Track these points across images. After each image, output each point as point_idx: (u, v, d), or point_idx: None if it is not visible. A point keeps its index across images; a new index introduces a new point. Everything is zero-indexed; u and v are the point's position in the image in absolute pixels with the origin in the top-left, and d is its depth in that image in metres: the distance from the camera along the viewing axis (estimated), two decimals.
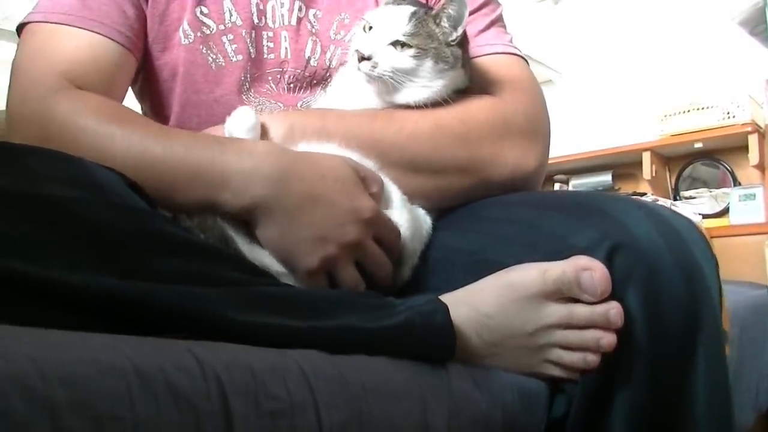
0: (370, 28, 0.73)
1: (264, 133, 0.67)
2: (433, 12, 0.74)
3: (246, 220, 0.59)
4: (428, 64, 0.72)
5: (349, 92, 0.76)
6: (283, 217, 0.58)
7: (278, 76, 0.81)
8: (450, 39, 0.73)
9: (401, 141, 0.70)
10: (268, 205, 0.58)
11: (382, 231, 0.62)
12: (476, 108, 0.74)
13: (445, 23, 0.73)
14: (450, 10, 0.73)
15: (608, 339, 0.52)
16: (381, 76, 0.71)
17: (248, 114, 0.66)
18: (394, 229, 0.64)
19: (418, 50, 0.71)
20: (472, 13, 0.82)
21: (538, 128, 0.79)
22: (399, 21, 0.72)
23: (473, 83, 0.78)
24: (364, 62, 0.70)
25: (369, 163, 0.68)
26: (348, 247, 0.59)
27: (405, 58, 0.72)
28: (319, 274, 0.58)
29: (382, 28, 0.73)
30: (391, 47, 0.71)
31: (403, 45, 0.71)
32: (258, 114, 0.67)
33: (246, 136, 0.64)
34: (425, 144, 0.71)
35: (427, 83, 0.72)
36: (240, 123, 0.65)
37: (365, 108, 0.73)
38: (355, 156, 0.67)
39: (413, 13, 0.73)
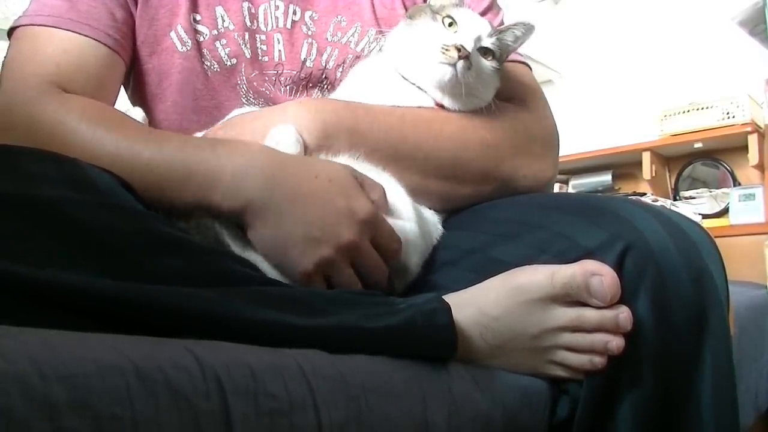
0: (451, 24, 0.70)
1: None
2: (502, 27, 0.74)
3: (239, 222, 0.58)
4: (495, 77, 0.72)
5: (374, 88, 0.73)
6: (274, 217, 0.56)
7: (274, 78, 0.80)
8: (505, 57, 0.74)
9: (428, 143, 0.70)
10: (259, 206, 0.56)
11: (380, 233, 0.60)
12: (502, 115, 0.74)
13: (508, 40, 0.73)
14: (517, 31, 0.73)
15: (617, 342, 0.52)
16: (468, 79, 0.68)
17: (290, 133, 0.63)
18: (393, 236, 0.61)
19: (497, 63, 0.71)
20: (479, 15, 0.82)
21: (553, 138, 0.80)
22: (484, 28, 0.71)
23: None
24: (463, 61, 0.67)
25: (379, 171, 0.66)
26: (343, 249, 0.56)
27: (489, 68, 0.71)
28: (315, 278, 0.57)
29: (470, 30, 0.70)
30: (478, 53, 0.70)
31: (486, 53, 0.71)
32: (294, 128, 0.64)
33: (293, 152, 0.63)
34: (451, 147, 0.71)
35: (482, 95, 0.72)
36: (283, 143, 0.63)
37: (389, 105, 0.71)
38: (368, 165, 0.66)
39: (490, 25, 0.73)
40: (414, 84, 0.73)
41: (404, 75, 0.74)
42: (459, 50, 0.67)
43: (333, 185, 0.58)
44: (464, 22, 0.71)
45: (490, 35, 0.72)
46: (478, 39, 0.70)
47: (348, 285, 0.58)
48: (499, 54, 0.73)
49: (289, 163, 0.59)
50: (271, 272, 0.57)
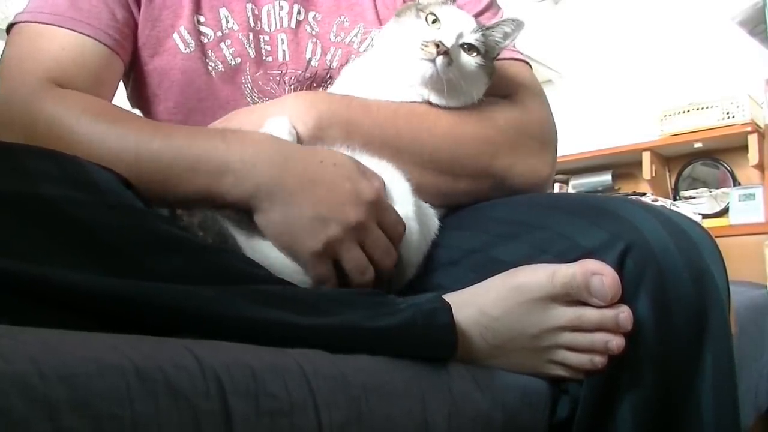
0: (434, 21, 0.71)
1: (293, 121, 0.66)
2: (490, 24, 0.74)
3: (246, 209, 0.58)
4: (480, 74, 0.72)
5: (367, 84, 0.74)
6: (283, 200, 0.58)
7: (278, 78, 0.81)
8: (494, 53, 0.74)
9: (422, 136, 0.70)
10: (268, 190, 0.58)
11: (385, 217, 0.61)
12: (496, 111, 0.74)
13: (496, 37, 0.73)
14: (506, 28, 0.73)
15: (617, 342, 0.52)
16: (449, 75, 0.68)
17: (283, 124, 0.65)
18: (398, 218, 0.63)
19: (483, 59, 0.71)
20: (476, 15, 0.82)
21: (550, 136, 0.80)
22: (467, 25, 0.71)
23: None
24: (443, 57, 0.67)
25: (378, 161, 0.67)
26: (351, 229, 0.58)
27: (473, 64, 0.71)
28: (324, 258, 0.57)
29: (453, 26, 0.70)
30: (460, 49, 0.70)
31: (470, 49, 0.71)
32: (288, 121, 0.66)
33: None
34: (445, 142, 0.71)
35: (466, 91, 0.72)
36: (277, 134, 0.64)
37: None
38: (371, 158, 0.66)
39: (477, 21, 0.73)
40: (402, 81, 0.74)
41: (392, 72, 0.74)
42: (438, 46, 0.67)
43: (338, 169, 0.60)
44: (447, 19, 0.71)
45: (474, 31, 0.71)
46: (460, 35, 0.70)
47: (357, 264, 0.59)
48: (485, 51, 0.72)
49: (295, 151, 0.61)
50: (276, 263, 0.57)
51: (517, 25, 0.74)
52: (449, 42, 0.68)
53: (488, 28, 0.73)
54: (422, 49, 0.68)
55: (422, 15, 0.72)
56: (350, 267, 0.59)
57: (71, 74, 0.69)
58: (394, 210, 0.63)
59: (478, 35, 0.71)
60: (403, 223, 0.63)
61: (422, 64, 0.68)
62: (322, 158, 0.61)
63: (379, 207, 0.60)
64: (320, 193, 0.58)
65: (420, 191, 0.70)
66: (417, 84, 0.71)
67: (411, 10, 0.73)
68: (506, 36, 0.74)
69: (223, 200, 0.58)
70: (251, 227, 0.58)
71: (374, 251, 0.60)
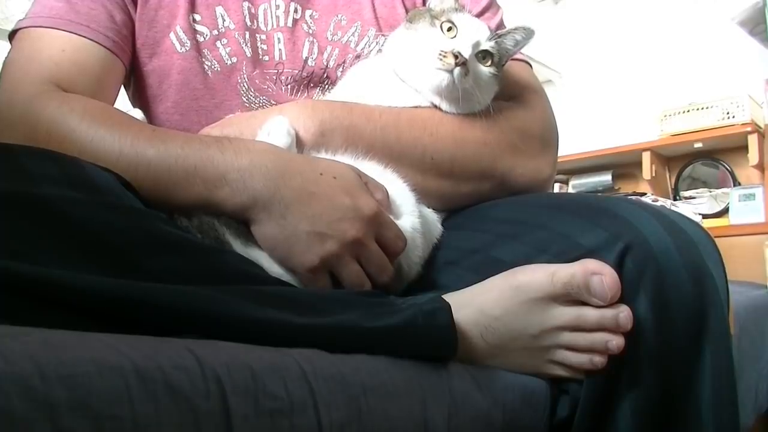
0: (449, 29, 0.71)
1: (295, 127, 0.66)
2: (501, 32, 0.74)
3: (243, 219, 0.58)
4: (493, 82, 0.73)
5: (373, 88, 0.74)
6: (279, 213, 0.57)
7: (275, 77, 0.81)
8: (504, 61, 0.74)
9: (424, 140, 0.70)
10: (264, 202, 0.57)
11: (384, 233, 0.60)
12: (498, 113, 0.74)
13: (507, 45, 0.74)
14: (517, 36, 0.74)
15: (617, 341, 0.52)
16: (464, 85, 0.68)
17: (282, 124, 0.65)
18: (399, 234, 0.62)
19: (496, 69, 0.72)
20: (477, 15, 0.82)
21: (552, 136, 0.80)
22: (482, 33, 0.71)
23: None
24: (460, 68, 0.67)
25: (383, 170, 0.67)
26: (348, 245, 0.57)
27: (487, 73, 0.71)
28: (320, 273, 0.57)
29: (469, 35, 0.70)
30: (476, 58, 0.70)
31: (484, 58, 0.71)
32: (286, 119, 0.66)
33: (283, 144, 0.63)
34: (447, 146, 0.71)
35: (479, 99, 0.72)
36: (275, 133, 0.64)
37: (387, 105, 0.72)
38: (371, 163, 0.66)
39: (489, 29, 0.73)
40: (411, 87, 0.73)
41: (402, 78, 0.74)
42: (456, 57, 0.67)
43: (338, 182, 0.59)
44: (463, 28, 0.71)
45: (490, 39, 0.72)
46: (477, 45, 0.70)
47: (354, 279, 0.58)
48: (498, 58, 0.73)
49: (294, 162, 0.60)
50: (274, 270, 0.57)
51: (528, 33, 0.74)
52: (467, 53, 0.68)
53: (500, 36, 0.73)
54: (441, 60, 0.68)
55: (437, 23, 0.71)
56: (347, 282, 0.58)
57: (72, 76, 0.69)
58: (395, 225, 0.62)
59: (492, 42, 0.72)
60: (404, 238, 0.62)
61: (438, 74, 0.68)
62: (322, 170, 0.60)
63: (379, 222, 0.60)
64: (318, 207, 0.57)
65: (423, 195, 0.70)
66: (430, 92, 0.72)
67: (424, 17, 0.73)
68: (516, 44, 0.75)
69: (220, 210, 0.58)
70: (248, 235, 0.58)
71: (371, 267, 0.59)
